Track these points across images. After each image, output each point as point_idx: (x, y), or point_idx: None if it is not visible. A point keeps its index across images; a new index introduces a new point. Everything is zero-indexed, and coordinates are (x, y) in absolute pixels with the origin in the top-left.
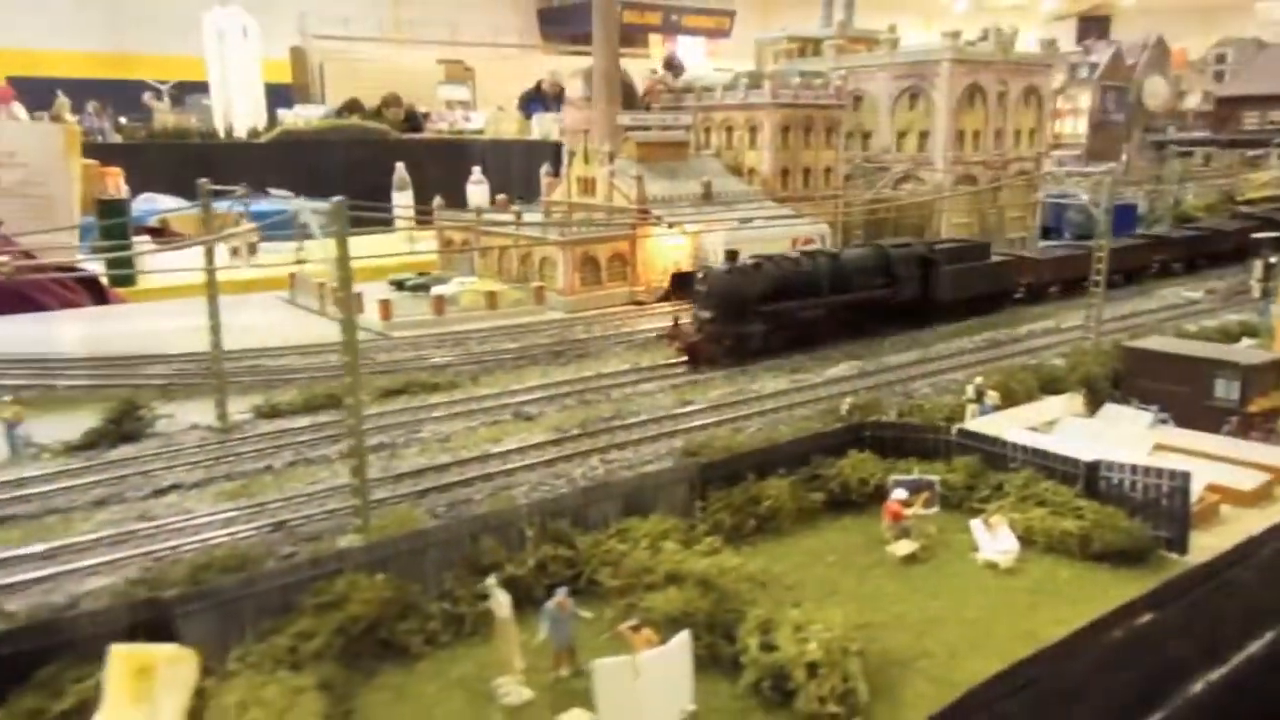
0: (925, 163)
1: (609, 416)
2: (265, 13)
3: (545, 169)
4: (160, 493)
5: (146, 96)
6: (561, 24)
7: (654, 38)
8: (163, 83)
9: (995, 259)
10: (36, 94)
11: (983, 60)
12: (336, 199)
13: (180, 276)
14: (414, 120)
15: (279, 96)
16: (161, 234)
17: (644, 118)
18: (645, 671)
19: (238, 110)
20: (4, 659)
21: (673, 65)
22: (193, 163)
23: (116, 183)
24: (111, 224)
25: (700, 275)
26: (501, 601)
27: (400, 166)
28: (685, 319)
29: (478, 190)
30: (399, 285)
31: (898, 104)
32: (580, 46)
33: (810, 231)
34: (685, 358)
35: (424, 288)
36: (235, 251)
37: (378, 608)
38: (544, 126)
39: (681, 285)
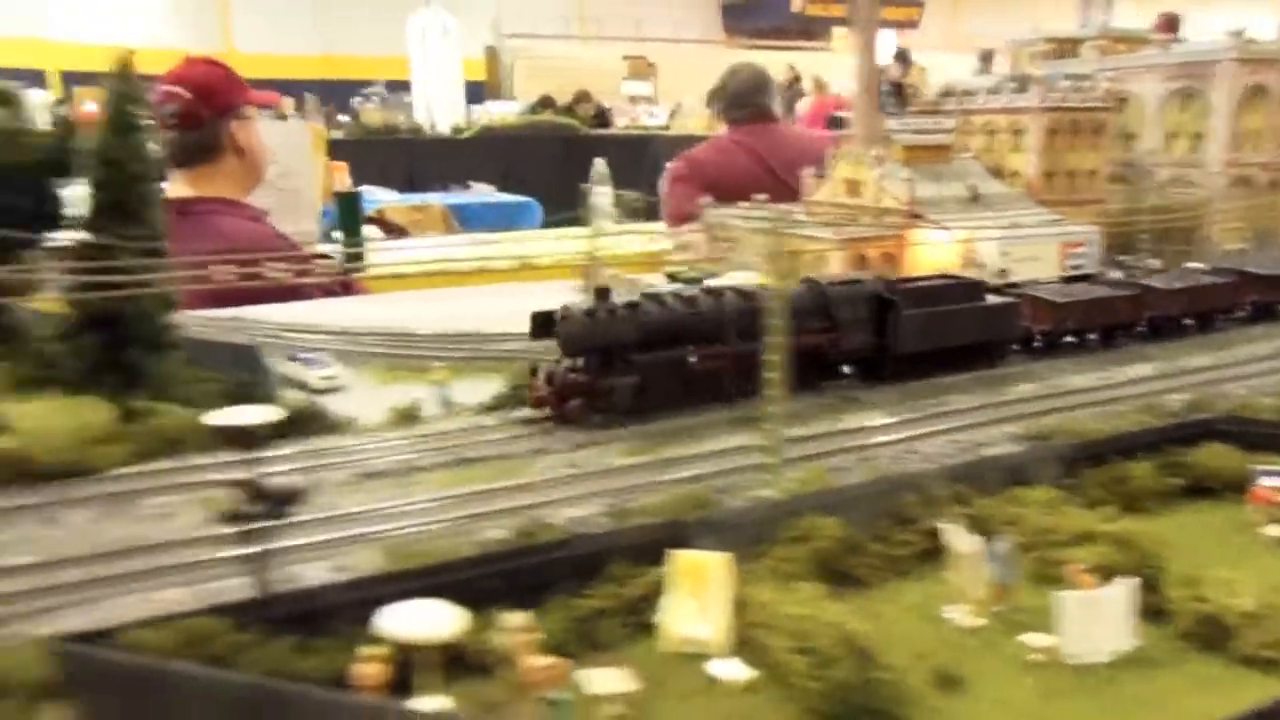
0: (1195, 165)
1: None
2: (463, 13)
3: (810, 171)
4: (580, 446)
5: (358, 99)
6: (745, 18)
7: (839, 30)
8: (371, 82)
9: (992, 301)
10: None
11: (1269, 58)
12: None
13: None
14: (602, 116)
15: (473, 94)
16: (380, 225)
17: (910, 121)
18: (1100, 605)
19: (438, 107)
20: (586, 557)
21: (905, 59)
22: (400, 158)
23: (343, 177)
24: (349, 215)
25: (560, 316)
26: (965, 539)
27: (600, 161)
28: (551, 367)
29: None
30: (672, 278)
31: (1167, 105)
32: (763, 41)
33: (1080, 234)
34: (541, 411)
35: (697, 280)
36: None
37: (834, 544)
38: None
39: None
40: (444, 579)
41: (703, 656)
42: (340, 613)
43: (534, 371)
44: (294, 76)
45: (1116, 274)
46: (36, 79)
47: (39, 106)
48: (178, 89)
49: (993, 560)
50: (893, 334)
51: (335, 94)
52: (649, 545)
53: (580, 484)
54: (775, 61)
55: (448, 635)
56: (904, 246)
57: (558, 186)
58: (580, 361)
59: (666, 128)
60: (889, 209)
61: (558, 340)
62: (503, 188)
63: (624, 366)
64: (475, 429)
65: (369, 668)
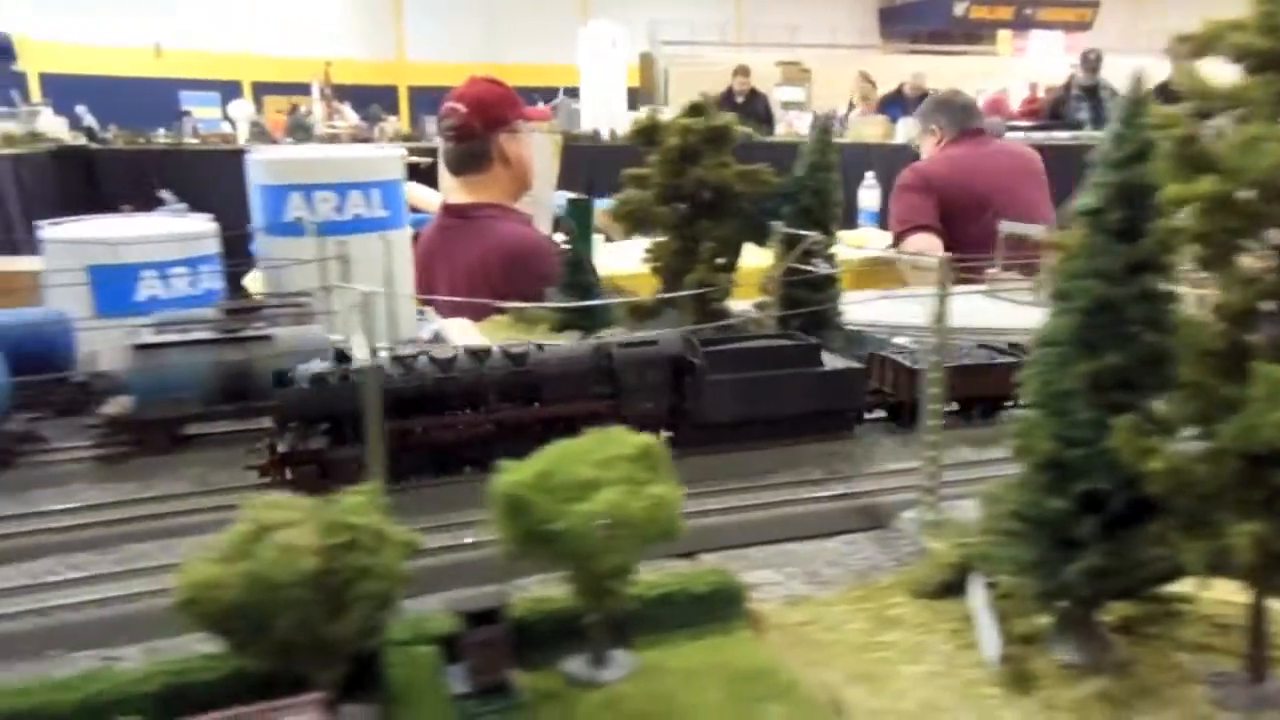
0: None
1: None
2: (622, 22)
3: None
4: None
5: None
6: (903, 22)
7: (1003, 34)
8: (534, 90)
9: (830, 367)
10: (432, 103)
11: None
12: None
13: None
14: (769, 119)
15: (628, 101)
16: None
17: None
18: None
19: (604, 115)
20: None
21: (1090, 63)
22: (579, 163)
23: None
24: (582, 220)
25: (285, 380)
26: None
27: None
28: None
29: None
30: None
31: None
32: (923, 46)
33: None
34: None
35: None
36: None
37: None
38: (908, 131)
39: None
40: None
41: None
42: None
43: (278, 435)
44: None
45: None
46: (235, 90)
47: (242, 118)
48: (457, 105)
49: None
50: (693, 401)
51: None
52: None
53: None
54: (931, 66)
55: None
56: None
57: None
58: (318, 428)
59: (840, 135)
60: None
61: (274, 409)
62: None
63: (355, 436)
64: None
65: None
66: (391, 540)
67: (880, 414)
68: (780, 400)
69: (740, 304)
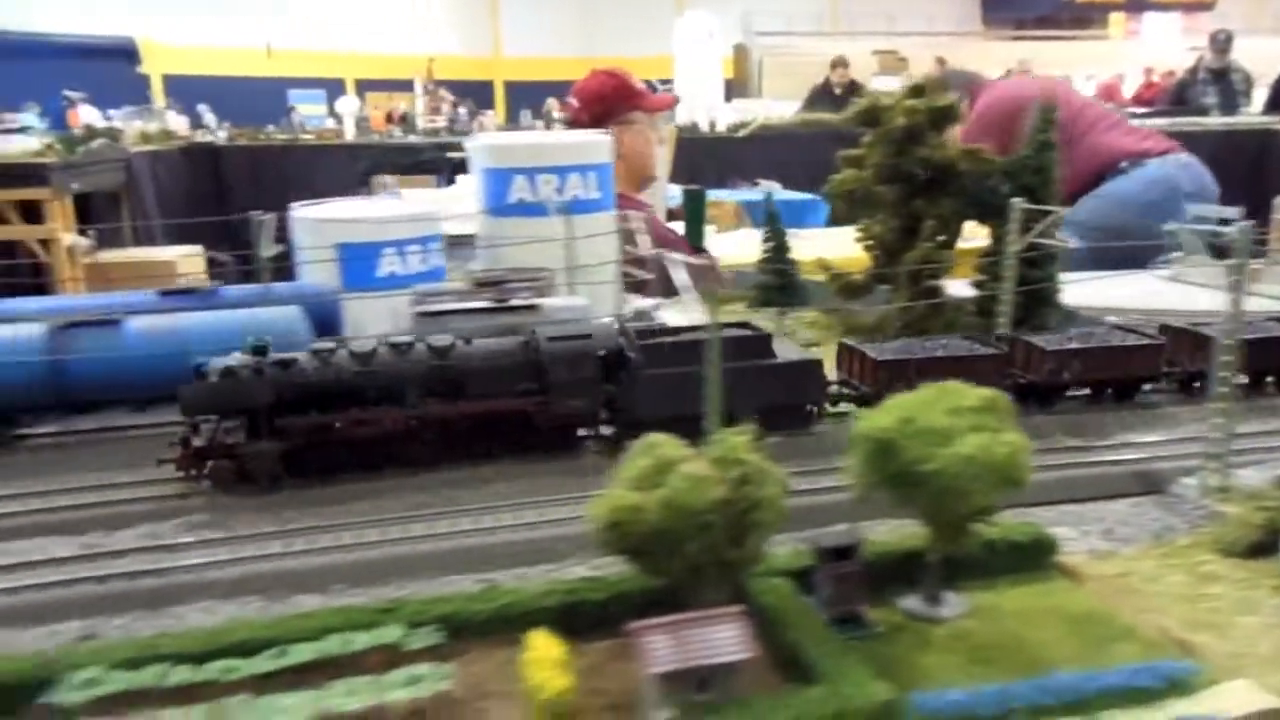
0: None
1: None
2: (717, 13)
3: None
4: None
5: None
6: (1007, 8)
7: (1115, 16)
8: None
9: (782, 360)
10: (531, 96)
11: None
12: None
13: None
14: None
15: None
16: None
17: None
18: None
19: (701, 106)
20: None
21: (1219, 44)
22: (680, 155)
23: None
24: (695, 209)
25: (199, 374)
26: None
27: None
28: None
29: None
30: None
31: None
32: (1028, 31)
33: None
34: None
35: None
36: None
37: None
38: None
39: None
40: None
41: None
42: None
43: (194, 429)
44: (557, 78)
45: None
46: (339, 87)
47: (348, 113)
48: (572, 99)
49: None
50: (626, 396)
51: None
52: None
53: None
54: (1037, 52)
55: None
56: None
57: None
58: (236, 422)
59: None
60: None
61: (179, 402)
62: (783, 185)
63: (269, 431)
64: None
65: None
66: (773, 477)
67: (1160, 385)
68: (725, 395)
69: (955, 282)
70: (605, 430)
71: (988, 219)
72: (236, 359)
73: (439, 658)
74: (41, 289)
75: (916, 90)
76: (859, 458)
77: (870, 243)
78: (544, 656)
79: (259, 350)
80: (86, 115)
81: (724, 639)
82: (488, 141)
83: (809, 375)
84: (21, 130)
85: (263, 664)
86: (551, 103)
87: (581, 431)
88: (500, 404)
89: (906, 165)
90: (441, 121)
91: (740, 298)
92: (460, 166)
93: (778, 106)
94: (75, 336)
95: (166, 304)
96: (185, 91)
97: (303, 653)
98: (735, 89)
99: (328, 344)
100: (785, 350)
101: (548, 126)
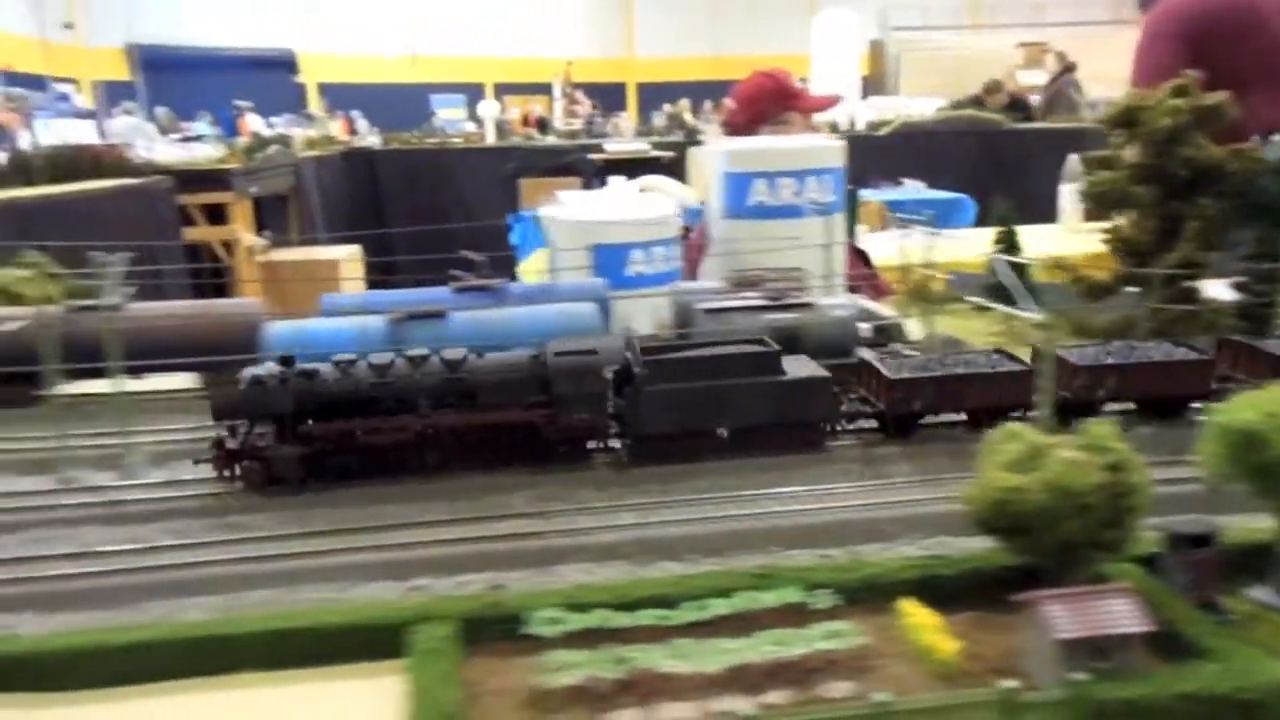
0: None
1: None
2: (854, 9)
3: None
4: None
5: None
6: None
7: None
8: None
9: (791, 376)
10: (663, 97)
11: None
12: None
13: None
14: (1023, 108)
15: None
16: None
17: None
18: None
19: (840, 105)
20: None
21: None
22: None
23: None
24: (850, 209)
25: (227, 380)
26: None
27: (1073, 158)
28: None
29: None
30: None
31: None
32: None
33: None
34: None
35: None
36: None
37: None
38: None
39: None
40: None
41: None
42: None
43: (231, 432)
44: (688, 78)
45: None
46: (478, 92)
47: (489, 117)
48: (730, 101)
49: None
50: (631, 412)
51: (726, 95)
52: None
53: None
54: None
55: None
56: None
57: (982, 183)
58: (268, 427)
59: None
60: None
61: (210, 406)
62: (929, 184)
63: (294, 436)
64: None
65: None
66: (1138, 466)
67: None
68: (732, 412)
69: (1214, 284)
70: (615, 444)
71: (1256, 219)
72: (266, 369)
73: (836, 618)
74: (221, 289)
75: (1180, 90)
76: (1217, 450)
77: (1117, 245)
78: (924, 622)
79: (286, 361)
80: (253, 123)
81: (1121, 611)
82: (727, 146)
83: (819, 393)
84: (197, 138)
85: (687, 614)
86: (683, 103)
87: (591, 444)
88: (509, 415)
89: (1169, 166)
90: (578, 124)
91: (956, 299)
92: (604, 169)
93: (915, 104)
94: (410, 328)
95: (464, 300)
96: (337, 99)
97: (719, 606)
98: (870, 86)
99: (349, 356)
100: (796, 367)
101: (679, 128)
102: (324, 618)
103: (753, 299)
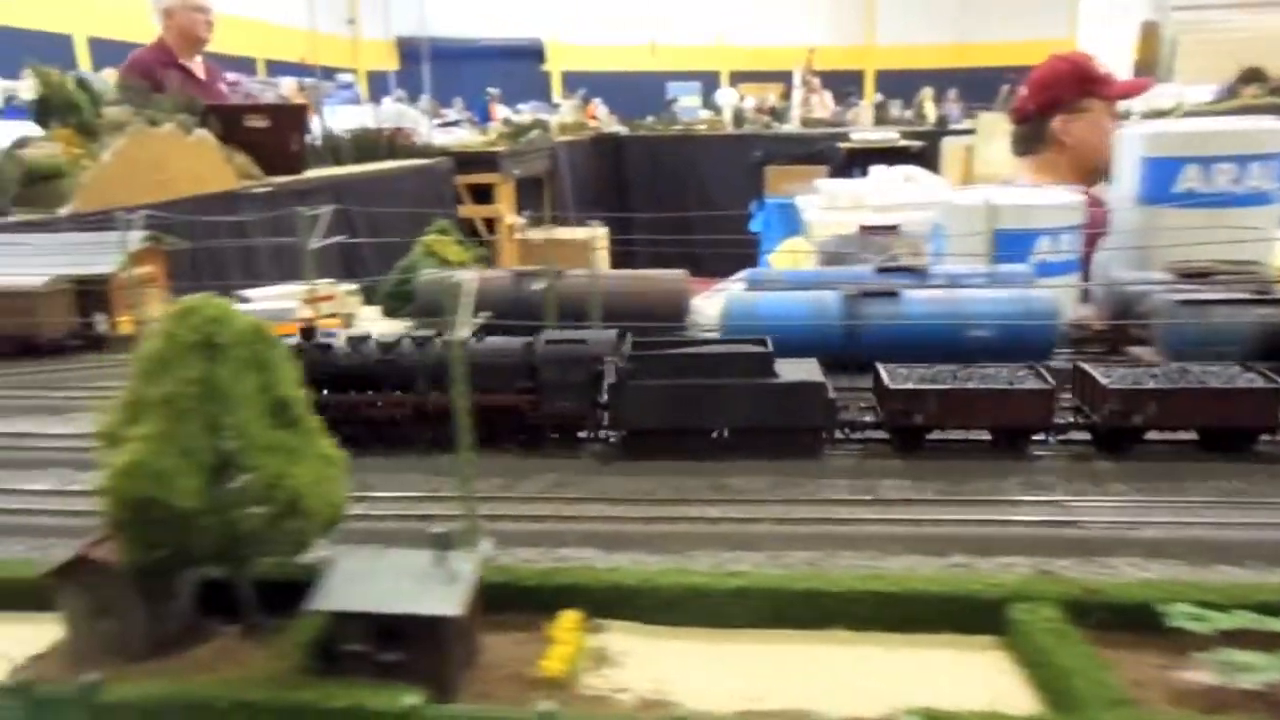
0: None
1: None
2: None
3: None
4: None
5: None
6: None
7: None
8: (1004, 70)
9: (783, 379)
10: (903, 85)
11: None
12: None
13: None
14: None
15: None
16: None
17: None
18: None
19: None
20: None
21: None
22: None
23: None
24: None
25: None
26: None
27: None
28: None
29: None
30: None
31: None
32: None
33: None
34: None
35: None
36: None
37: None
38: None
39: None
40: None
41: None
42: None
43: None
44: (930, 66)
45: None
46: (713, 80)
47: (727, 104)
48: (1022, 87)
49: None
50: (615, 405)
51: (970, 83)
52: None
53: None
54: None
55: None
56: None
57: None
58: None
59: None
60: None
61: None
62: None
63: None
64: None
65: None
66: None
67: None
68: (720, 412)
69: None
70: (606, 434)
71: None
72: (293, 340)
73: None
74: (489, 262)
75: None
76: None
77: None
78: None
79: (307, 333)
80: (501, 111)
81: None
82: (1151, 130)
83: (812, 398)
84: (454, 123)
85: None
86: (926, 91)
87: (582, 434)
88: (496, 398)
89: None
90: (817, 111)
91: None
92: (850, 157)
93: (1193, 91)
94: (865, 304)
95: (885, 279)
96: (579, 87)
97: None
98: (1141, 72)
99: (361, 333)
100: (789, 370)
101: (919, 116)
102: (913, 585)
103: (1230, 292)
